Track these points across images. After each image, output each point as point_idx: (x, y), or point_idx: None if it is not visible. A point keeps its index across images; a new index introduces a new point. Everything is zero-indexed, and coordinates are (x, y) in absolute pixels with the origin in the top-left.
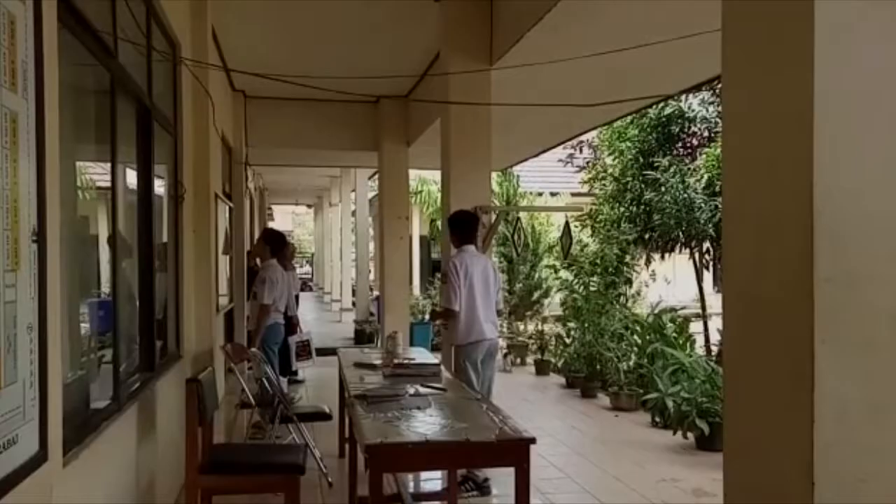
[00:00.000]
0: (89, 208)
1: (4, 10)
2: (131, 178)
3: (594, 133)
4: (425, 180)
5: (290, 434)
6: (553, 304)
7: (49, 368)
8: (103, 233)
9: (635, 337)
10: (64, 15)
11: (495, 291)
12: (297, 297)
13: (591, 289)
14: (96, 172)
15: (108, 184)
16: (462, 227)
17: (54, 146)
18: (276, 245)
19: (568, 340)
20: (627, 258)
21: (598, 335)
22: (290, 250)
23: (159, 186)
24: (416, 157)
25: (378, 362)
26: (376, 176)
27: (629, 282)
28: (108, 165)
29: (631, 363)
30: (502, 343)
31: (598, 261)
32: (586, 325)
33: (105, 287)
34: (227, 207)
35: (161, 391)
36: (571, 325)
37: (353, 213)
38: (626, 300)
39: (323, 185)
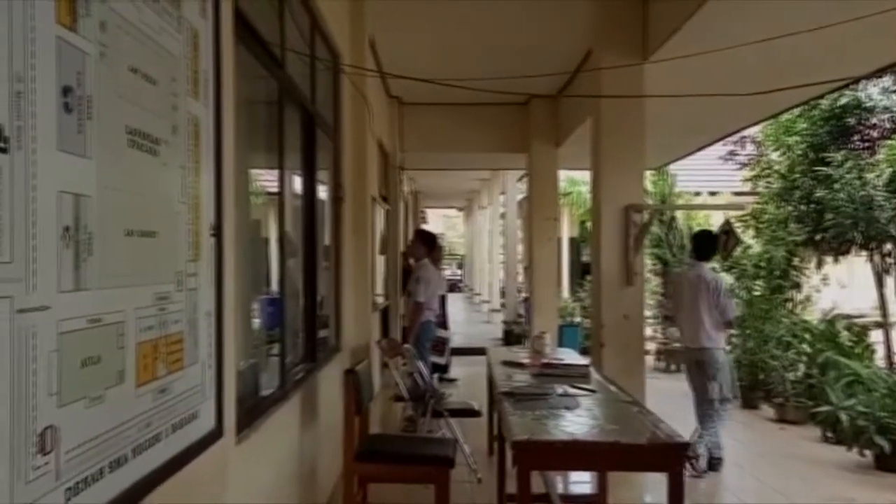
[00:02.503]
0: (260, 212)
1: (189, 25)
2: (297, 182)
3: (757, 128)
4: (575, 181)
5: (441, 429)
6: None
7: (224, 353)
8: (272, 235)
9: (804, 345)
10: (239, 29)
11: (709, 302)
12: (443, 298)
13: (755, 293)
14: (266, 179)
15: (277, 189)
16: (695, 244)
17: (230, 149)
18: (430, 245)
19: (728, 347)
20: (796, 261)
21: (761, 342)
22: (440, 251)
23: (321, 190)
24: (565, 157)
25: (526, 361)
26: (525, 178)
27: (797, 286)
28: (277, 172)
29: (799, 373)
30: (651, 346)
31: (762, 263)
32: (748, 331)
33: (274, 285)
34: (384, 210)
35: (322, 381)
36: (732, 331)
37: (502, 216)
38: (794, 306)
39: (473, 188)
